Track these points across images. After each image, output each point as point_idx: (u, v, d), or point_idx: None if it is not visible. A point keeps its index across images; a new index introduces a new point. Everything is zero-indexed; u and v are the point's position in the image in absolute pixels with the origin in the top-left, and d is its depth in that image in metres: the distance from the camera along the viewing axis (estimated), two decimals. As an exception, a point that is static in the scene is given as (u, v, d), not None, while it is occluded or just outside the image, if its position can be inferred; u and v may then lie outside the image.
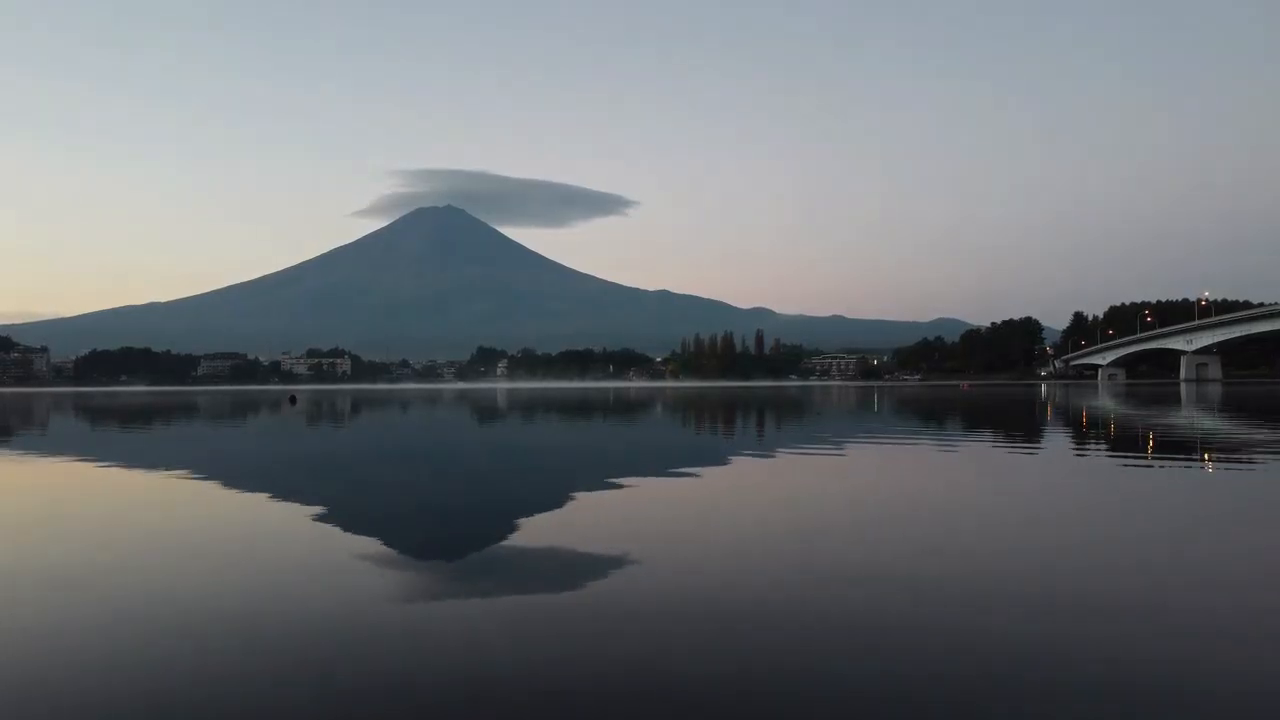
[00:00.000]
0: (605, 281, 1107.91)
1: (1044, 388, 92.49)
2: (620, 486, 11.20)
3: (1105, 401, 44.52)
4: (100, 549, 7.25)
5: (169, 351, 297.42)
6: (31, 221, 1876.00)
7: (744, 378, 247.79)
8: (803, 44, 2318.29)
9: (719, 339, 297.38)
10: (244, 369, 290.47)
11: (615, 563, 6.43)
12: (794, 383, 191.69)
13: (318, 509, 9.39)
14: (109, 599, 5.61)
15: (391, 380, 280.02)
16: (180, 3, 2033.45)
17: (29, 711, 3.62)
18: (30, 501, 10.73)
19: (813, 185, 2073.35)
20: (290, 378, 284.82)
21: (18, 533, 8.18)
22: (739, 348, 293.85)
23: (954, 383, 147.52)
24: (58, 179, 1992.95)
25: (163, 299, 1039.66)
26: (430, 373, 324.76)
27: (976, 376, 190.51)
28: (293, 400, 45.81)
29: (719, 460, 15.12)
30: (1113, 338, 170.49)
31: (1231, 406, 36.14)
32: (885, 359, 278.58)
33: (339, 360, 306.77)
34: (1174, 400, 45.07)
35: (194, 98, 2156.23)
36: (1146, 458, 14.67)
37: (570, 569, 6.34)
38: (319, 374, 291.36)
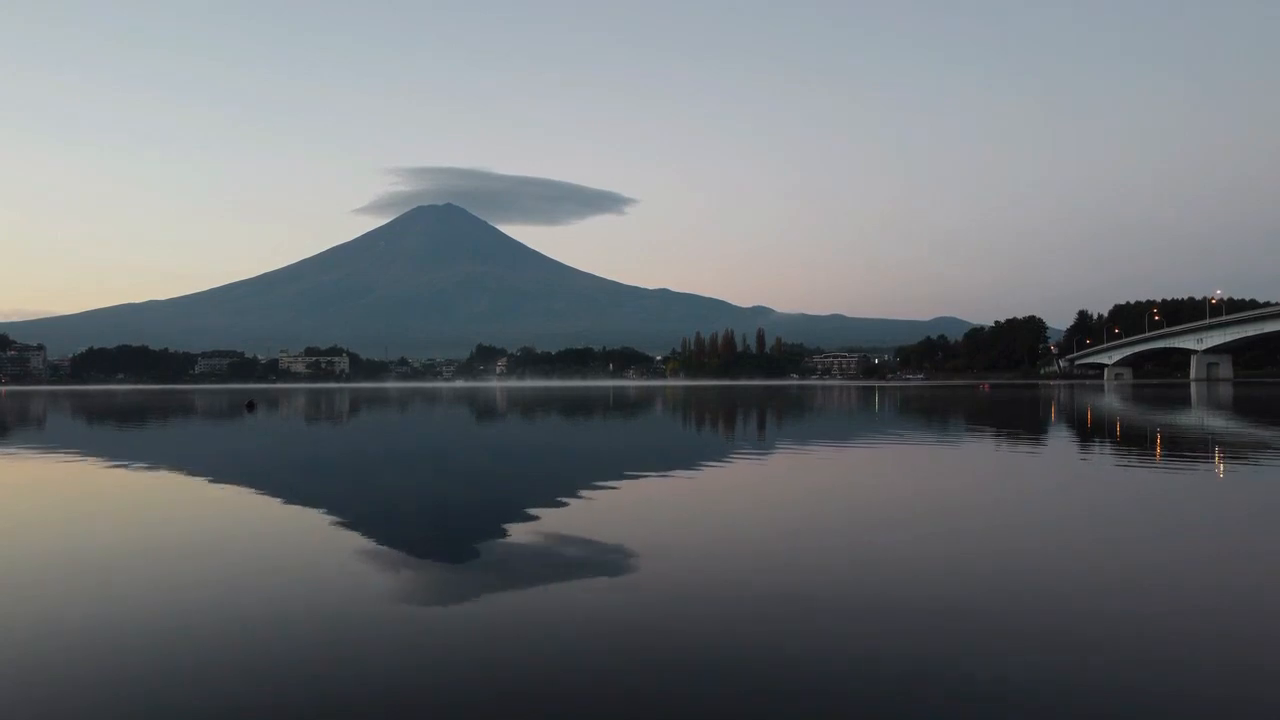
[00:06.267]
0: (605, 280, 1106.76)
1: (1080, 390, 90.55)
2: (619, 485, 11.16)
3: (1134, 405, 42.79)
4: (100, 548, 7.28)
5: (167, 350, 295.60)
6: (28, 219, 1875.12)
7: (744, 376, 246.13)
8: (803, 41, 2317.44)
9: (719, 337, 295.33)
10: (242, 367, 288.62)
11: (615, 562, 6.48)
12: (795, 382, 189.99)
13: (319, 509, 9.43)
14: (112, 597, 5.57)
15: (389, 379, 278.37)
16: (179, 1, 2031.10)
17: (29, 709, 3.72)
18: (27, 499, 10.83)
19: (812, 184, 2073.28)
20: (289, 376, 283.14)
21: (17, 531, 8.30)
22: (739, 346, 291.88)
23: (960, 382, 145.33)
24: (55, 176, 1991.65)
25: (161, 297, 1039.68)
26: (429, 371, 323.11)
27: (980, 376, 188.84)
28: (250, 406, 43.94)
29: (721, 460, 14.85)
30: (1119, 336, 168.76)
31: (1265, 409, 34.49)
32: (886, 358, 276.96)
33: (337, 358, 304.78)
34: (1203, 402, 43.39)
35: (193, 95, 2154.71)
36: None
37: (571, 568, 6.37)
38: (317, 372, 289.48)
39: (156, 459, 15.85)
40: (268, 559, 6.88)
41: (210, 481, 11.98)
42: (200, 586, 5.89)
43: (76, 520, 8.97)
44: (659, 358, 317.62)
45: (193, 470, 13.39)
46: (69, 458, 16.15)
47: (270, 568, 6.54)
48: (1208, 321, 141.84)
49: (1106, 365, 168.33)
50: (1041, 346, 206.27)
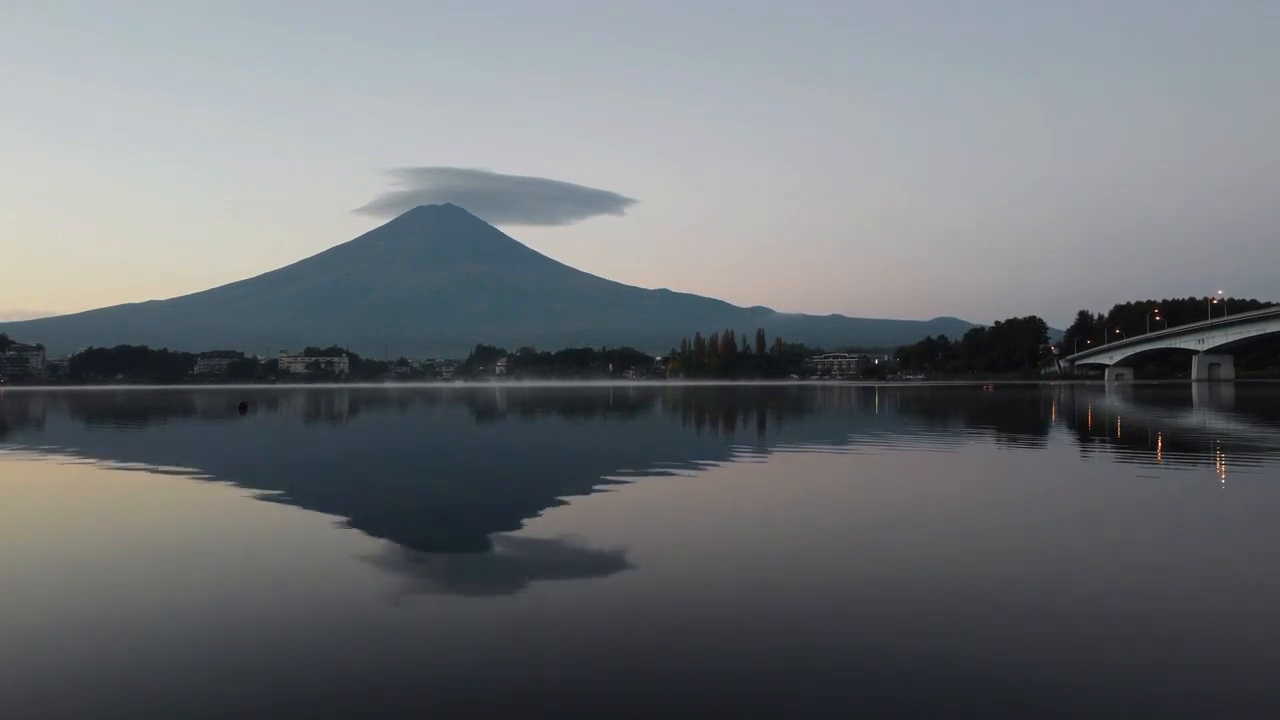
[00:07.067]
0: (605, 280, 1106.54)
1: (1081, 390, 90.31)
2: (619, 486, 11.16)
3: (1136, 406, 42.57)
4: (103, 548, 7.26)
5: (166, 350, 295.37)
6: (28, 219, 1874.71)
7: (744, 377, 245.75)
8: (803, 41, 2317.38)
9: (719, 338, 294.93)
10: (241, 367, 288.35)
11: (615, 563, 6.46)
12: (795, 382, 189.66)
13: (317, 509, 9.39)
14: (114, 598, 5.63)
15: (389, 379, 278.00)
16: (179, 1, 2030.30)
17: (29, 709, 3.73)
18: (25, 499, 10.78)
19: (812, 184, 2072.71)
20: (288, 376, 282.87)
21: (19, 531, 8.25)
22: (739, 347, 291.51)
23: (961, 383, 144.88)
24: (55, 176, 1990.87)
25: (161, 297, 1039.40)
26: (429, 371, 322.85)
27: (980, 376, 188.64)
28: (242, 408, 43.88)
29: (721, 461, 14.79)
30: (1119, 337, 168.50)
31: (1268, 410, 34.23)
32: (886, 358, 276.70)
33: (337, 359, 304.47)
34: (1205, 403, 43.15)
35: (193, 95, 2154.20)
36: None
37: (570, 569, 6.36)
38: (317, 372, 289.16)
39: (154, 459, 15.72)
40: (266, 559, 6.84)
41: (208, 482, 11.89)
42: (199, 587, 5.85)
43: (75, 520, 8.90)
44: (659, 358, 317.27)
45: (190, 471, 13.28)
46: (66, 458, 15.97)
47: (269, 568, 6.50)
48: (1209, 322, 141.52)
49: (1107, 366, 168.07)
50: (1042, 347, 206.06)
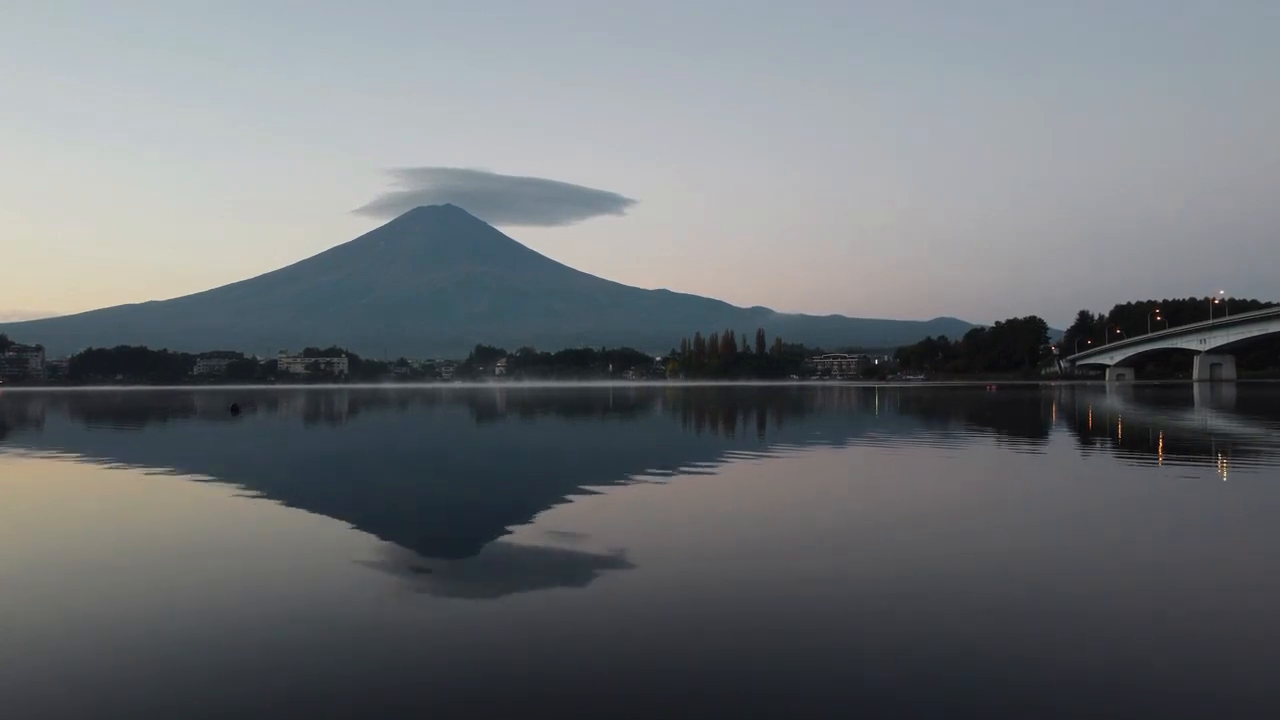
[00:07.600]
0: (604, 280, 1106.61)
1: (1082, 391, 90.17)
2: (618, 487, 11.13)
3: (1139, 407, 42.55)
4: (103, 548, 7.29)
5: (165, 351, 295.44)
6: (29, 219, 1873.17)
7: (744, 377, 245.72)
8: (803, 41, 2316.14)
9: (719, 338, 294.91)
10: (241, 368, 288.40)
11: (614, 564, 6.43)
12: (794, 383, 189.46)
13: (315, 510, 9.29)
14: (114, 598, 5.63)
15: (388, 380, 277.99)
16: (179, 1, 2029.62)
17: (31, 708, 3.74)
18: (31, 500, 10.73)
19: (812, 184, 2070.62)
20: (287, 377, 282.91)
21: (19, 531, 8.24)
22: (739, 347, 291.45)
23: (961, 383, 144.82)
24: (55, 176, 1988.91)
25: (161, 297, 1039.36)
26: (429, 372, 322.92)
27: (980, 376, 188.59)
28: (235, 409, 43.94)
29: (719, 462, 14.76)
30: (1120, 337, 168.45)
31: (1270, 410, 34.22)
32: (886, 359, 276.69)
33: (336, 359, 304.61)
34: (1208, 403, 43.14)
35: (192, 96, 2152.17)
36: None
37: (569, 570, 6.34)
38: (316, 373, 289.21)
39: (152, 460, 15.73)
40: (266, 560, 6.86)
41: (207, 483, 11.92)
42: (199, 587, 5.86)
43: (75, 520, 8.92)
44: (659, 358, 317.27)
45: (189, 471, 13.33)
46: (65, 459, 15.95)
47: (269, 568, 6.52)
48: (1211, 322, 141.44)
49: (1108, 366, 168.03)
50: (1042, 347, 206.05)
